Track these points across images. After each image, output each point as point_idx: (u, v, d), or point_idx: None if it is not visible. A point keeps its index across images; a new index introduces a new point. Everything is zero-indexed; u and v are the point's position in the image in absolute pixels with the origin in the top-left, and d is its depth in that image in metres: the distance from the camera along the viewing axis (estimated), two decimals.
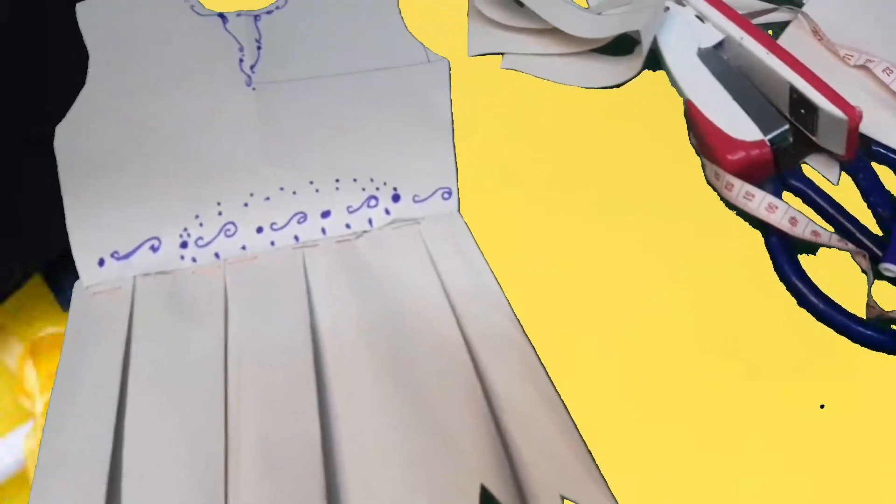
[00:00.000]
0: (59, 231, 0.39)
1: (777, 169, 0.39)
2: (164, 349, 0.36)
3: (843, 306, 0.35)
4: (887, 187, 0.39)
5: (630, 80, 0.43)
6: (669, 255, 0.38)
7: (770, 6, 0.45)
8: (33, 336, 0.40)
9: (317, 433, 0.33)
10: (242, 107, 0.43)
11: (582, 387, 0.35)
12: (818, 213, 0.39)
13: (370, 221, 0.40)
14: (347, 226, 0.40)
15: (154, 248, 0.39)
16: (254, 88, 0.43)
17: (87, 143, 0.41)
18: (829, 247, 0.37)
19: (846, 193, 0.39)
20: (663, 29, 0.43)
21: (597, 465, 0.32)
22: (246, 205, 0.40)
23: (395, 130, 0.42)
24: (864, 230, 0.37)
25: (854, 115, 0.37)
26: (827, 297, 0.36)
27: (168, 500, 0.32)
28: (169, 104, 0.43)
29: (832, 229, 0.38)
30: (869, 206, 0.39)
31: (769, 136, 0.39)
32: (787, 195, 0.39)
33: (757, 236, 0.38)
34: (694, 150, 0.41)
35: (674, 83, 0.42)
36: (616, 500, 0.32)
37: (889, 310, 0.35)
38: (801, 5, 0.44)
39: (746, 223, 0.39)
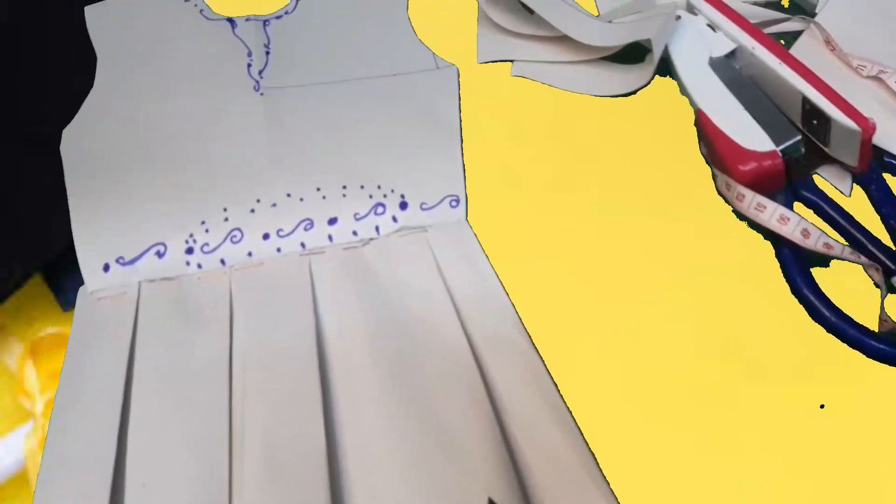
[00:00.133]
0: (59, 231, 0.39)
1: (789, 180, 0.39)
2: (168, 355, 0.36)
3: (856, 319, 0.35)
4: None
5: (641, 88, 0.43)
6: (673, 261, 0.38)
7: (782, 16, 0.45)
8: (33, 336, 0.40)
9: (322, 439, 0.33)
10: (250, 112, 0.42)
11: (586, 388, 0.35)
12: (830, 225, 0.38)
13: (377, 229, 0.40)
14: (354, 233, 0.40)
15: (160, 254, 0.39)
16: (262, 94, 0.43)
17: (94, 147, 0.41)
18: (842, 259, 0.36)
19: (858, 205, 0.39)
20: (675, 38, 0.43)
21: (601, 470, 0.32)
22: (253, 211, 0.40)
23: (403, 137, 0.42)
24: (876, 243, 0.37)
25: (867, 127, 0.37)
26: (839, 310, 0.35)
27: None
28: (176, 109, 0.43)
29: (845, 241, 0.37)
30: (881, 218, 0.38)
31: (781, 147, 0.38)
32: (798, 206, 0.39)
33: (759, 238, 0.38)
34: (704, 160, 0.41)
35: (685, 92, 0.42)
36: None
37: None
38: (813, 15, 0.44)
39: (750, 228, 0.39)
